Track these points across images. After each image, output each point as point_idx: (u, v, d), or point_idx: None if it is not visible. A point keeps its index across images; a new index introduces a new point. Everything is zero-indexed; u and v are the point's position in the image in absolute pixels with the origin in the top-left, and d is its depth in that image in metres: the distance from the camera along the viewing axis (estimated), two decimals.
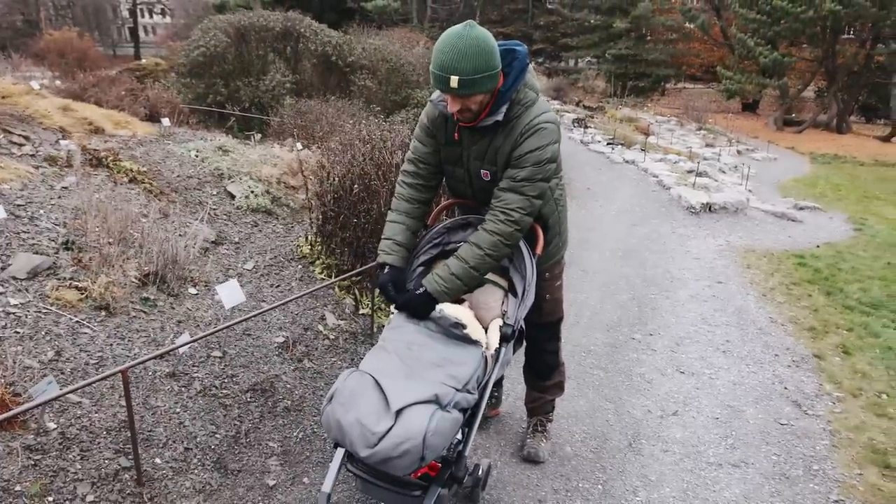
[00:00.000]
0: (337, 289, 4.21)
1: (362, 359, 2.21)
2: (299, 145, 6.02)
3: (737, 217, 8.43)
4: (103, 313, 3.06)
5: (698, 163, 11.94)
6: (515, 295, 2.39)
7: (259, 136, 6.06)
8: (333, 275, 4.25)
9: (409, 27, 22.97)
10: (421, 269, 2.50)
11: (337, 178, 4.13)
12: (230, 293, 3.10)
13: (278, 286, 4.02)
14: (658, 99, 28.55)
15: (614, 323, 4.52)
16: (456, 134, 2.29)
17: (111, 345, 2.90)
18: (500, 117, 2.14)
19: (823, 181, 13.57)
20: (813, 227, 8.22)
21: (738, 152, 17.15)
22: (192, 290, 3.59)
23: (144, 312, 3.22)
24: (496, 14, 32.24)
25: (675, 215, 8.55)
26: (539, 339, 2.72)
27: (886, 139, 20.89)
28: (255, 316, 2.87)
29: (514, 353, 2.50)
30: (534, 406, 2.97)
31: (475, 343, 2.18)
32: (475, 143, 2.28)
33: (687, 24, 27.75)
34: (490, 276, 2.49)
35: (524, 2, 30.78)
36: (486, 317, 2.31)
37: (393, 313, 2.38)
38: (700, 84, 32.76)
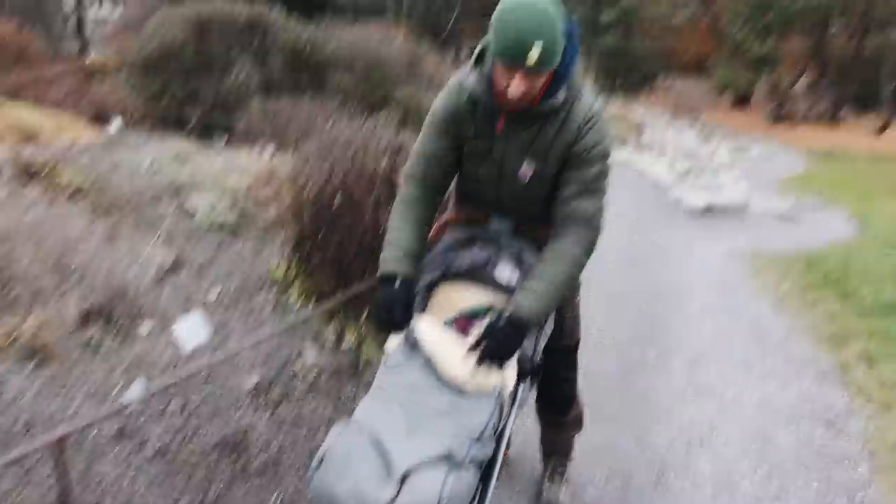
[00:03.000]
0: (317, 318, 3.83)
1: (349, 401, 1.91)
2: (270, 150, 5.62)
3: (739, 218, 8.64)
4: (34, 361, 2.69)
5: (696, 161, 11.83)
6: None
7: (224, 140, 5.66)
8: (313, 301, 3.87)
9: (385, 21, 22.65)
10: (420, 296, 2.18)
11: (315, 189, 3.75)
12: (191, 331, 2.73)
13: (249, 317, 3.63)
14: (649, 94, 28.74)
15: (625, 342, 4.39)
16: (499, 124, 2.00)
17: (44, 401, 2.53)
18: (558, 102, 1.90)
19: (821, 177, 13.79)
20: (816, 226, 8.35)
21: (735, 148, 17.18)
22: (146, 328, 3.19)
23: (87, 358, 2.84)
24: (478, 4, 32.06)
25: (677, 218, 8.56)
26: (557, 366, 2.46)
27: (880, 132, 21.13)
28: (222, 361, 2.49)
29: (530, 388, 2.25)
30: (550, 446, 2.75)
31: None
32: (517, 135, 2.00)
33: (676, 17, 27.98)
34: (502, 299, 2.19)
35: None
36: None
37: (391, 349, 2.03)
38: (691, 78, 33.12)
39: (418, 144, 2.16)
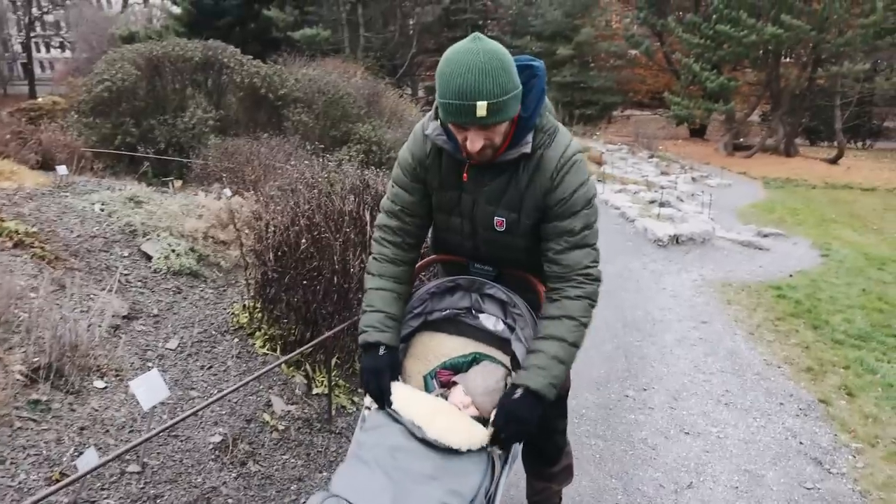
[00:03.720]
0: (284, 365, 3.70)
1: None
2: (228, 191, 5.51)
3: (705, 248, 8.77)
4: None
5: (660, 193, 12.09)
6: None
7: (179, 182, 5.52)
8: (279, 348, 3.75)
9: (343, 57, 22.81)
10: (399, 345, 2.10)
11: (279, 231, 3.67)
12: (149, 388, 2.56)
13: (211, 368, 3.48)
14: (606, 127, 29.47)
15: (603, 378, 4.38)
16: (465, 175, 1.93)
17: None
18: (527, 149, 1.82)
19: (780, 206, 14.28)
20: (780, 255, 8.56)
21: (693, 179, 17.69)
22: (99, 384, 3.01)
23: (34, 420, 2.64)
24: (433, 43, 32.63)
25: (644, 249, 8.68)
26: (548, 416, 2.36)
27: (833, 161, 22.02)
28: (184, 418, 2.35)
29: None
30: (538, 500, 2.63)
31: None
32: (486, 185, 1.92)
33: (631, 50, 28.87)
34: (487, 349, 2.14)
35: (462, 29, 31.28)
36: (487, 405, 1.91)
37: (368, 409, 1.95)
38: (647, 111, 34.10)
39: (388, 200, 2.09)
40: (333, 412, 3.44)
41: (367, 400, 1.97)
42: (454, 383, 2.02)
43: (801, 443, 3.62)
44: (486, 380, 1.99)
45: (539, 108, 1.83)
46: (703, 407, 4.03)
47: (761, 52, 21.78)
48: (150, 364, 3.29)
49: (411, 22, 31.98)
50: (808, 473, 3.33)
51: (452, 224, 2.07)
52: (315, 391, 3.58)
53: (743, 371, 4.58)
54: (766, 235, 9.83)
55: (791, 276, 7.44)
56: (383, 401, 1.90)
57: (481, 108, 1.63)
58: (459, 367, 2.10)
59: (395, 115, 12.39)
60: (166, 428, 2.38)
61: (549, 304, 1.93)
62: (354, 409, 3.57)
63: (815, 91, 23.38)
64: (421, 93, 32.19)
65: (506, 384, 2.02)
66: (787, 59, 23.61)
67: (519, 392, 1.83)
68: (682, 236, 8.91)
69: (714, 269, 7.58)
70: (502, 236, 1.98)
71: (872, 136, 29.06)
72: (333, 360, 3.58)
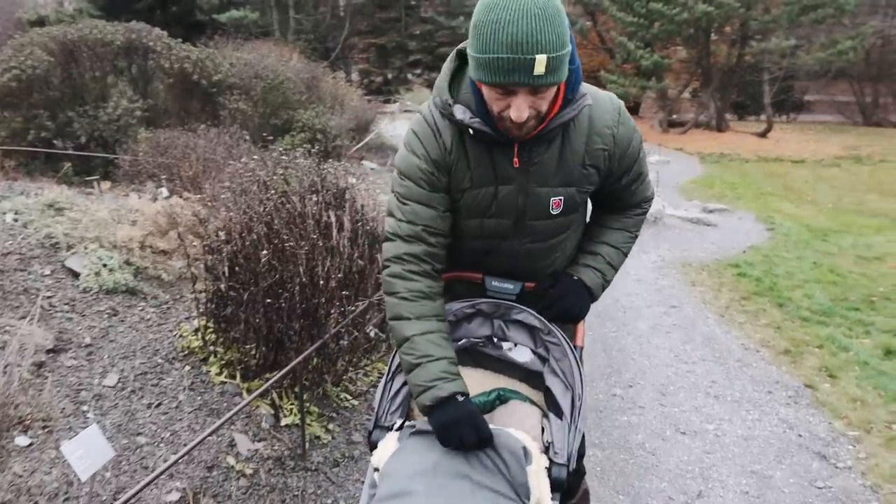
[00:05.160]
0: (245, 393, 3.21)
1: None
2: (165, 191, 4.88)
3: (658, 227, 8.86)
4: None
5: None
6: (559, 414, 1.65)
7: (107, 183, 4.83)
8: (238, 374, 3.24)
9: (273, 41, 21.76)
10: (404, 387, 1.70)
11: (233, 239, 3.14)
12: (88, 451, 2.04)
13: (160, 405, 2.95)
14: None
15: (587, 376, 4.20)
16: (516, 159, 1.58)
17: None
18: (580, 106, 1.52)
19: (718, 181, 14.53)
20: (729, 231, 8.76)
21: None
22: (23, 441, 2.46)
23: None
24: (366, 24, 31.75)
25: None
26: None
27: (763, 135, 22.62)
28: (137, 493, 1.86)
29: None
30: None
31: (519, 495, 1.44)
32: (533, 164, 1.59)
33: None
34: (512, 383, 1.78)
35: (396, 10, 30.48)
36: None
37: (377, 470, 1.52)
38: None
39: (402, 222, 1.65)
40: (307, 445, 3.00)
41: (375, 458, 1.55)
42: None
43: (799, 435, 3.52)
44: (521, 422, 1.64)
45: (577, 58, 1.51)
46: (694, 401, 3.89)
47: (692, 29, 22.03)
48: (84, 408, 2.74)
49: (342, 3, 30.92)
50: (815, 470, 3.21)
51: (486, 229, 1.69)
52: (284, 422, 3.11)
53: (724, 358, 4.50)
54: (711, 211, 9.98)
55: (744, 252, 7.56)
56: (487, 443, 1.54)
57: (540, 63, 1.31)
58: (481, 407, 1.73)
59: (337, 100, 11.77)
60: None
61: (607, 214, 1.88)
62: (330, 439, 3.13)
63: (743, 67, 23.90)
64: (355, 76, 31.28)
65: (542, 430, 1.64)
66: (716, 37, 24.03)
67: (575, 277, 1.78)
68: None
69: (671, 249, 7.68)
70: (555, 222, 1.70)
71: (796, 110, 30.14)
72: (303, 382, 3.11)
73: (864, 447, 3.40)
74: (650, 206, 1.92)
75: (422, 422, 1.48)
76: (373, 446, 1.54)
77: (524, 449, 1.40)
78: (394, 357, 1.69)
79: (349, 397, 3.47)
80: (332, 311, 3.07)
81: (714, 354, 4.55)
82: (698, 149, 20.52)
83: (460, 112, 1.51)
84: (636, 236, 1.91)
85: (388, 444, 1.48)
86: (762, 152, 19.76)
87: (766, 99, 22.81)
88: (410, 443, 1.43)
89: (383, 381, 1.68)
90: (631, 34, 23.20)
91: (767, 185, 14.31)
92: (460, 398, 1.56)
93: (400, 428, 1.50)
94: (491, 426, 1.52)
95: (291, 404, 3.21)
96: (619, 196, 1.82)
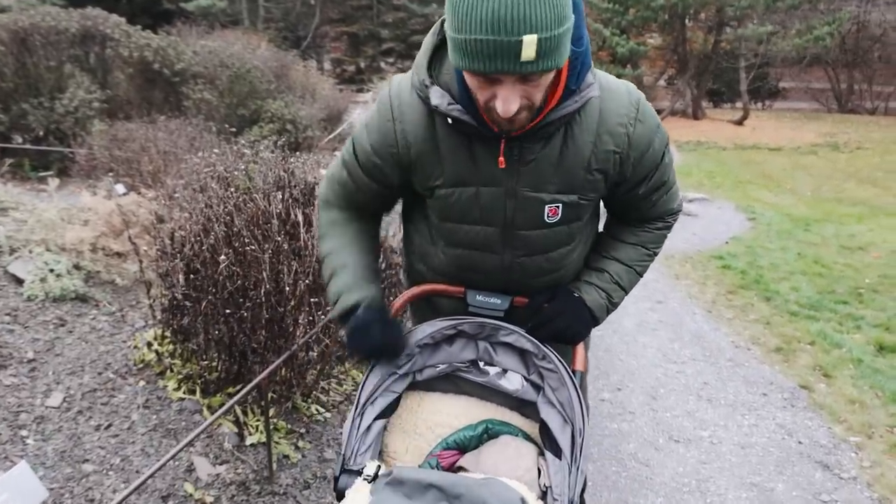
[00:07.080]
0: (206, 410, 2.97)
1: None
2: (121, 187, 4.58)
3: None
4: None
5: None
6: (558, 454, 1.41)
7: (56, 180, 4.50)
8: (199, 389, 2.99)
9: (242, 29, 21.26)
10: (376, 422, 1.46)
11: (189, 242, 2.89)
12: (17, 492, 1.80)
13: (110, 427, 2.70)
14: None
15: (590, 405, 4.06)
16: (501, 158, 1.32)
17: None
18: (583, 98, 1.27)
19: (696, 169, 14.49)
20: (710, 221, 8.66)
21: None
22: None
23: None
24: (337, 12, 31.28)
25: None
26: None
27: (739, 122, 22.72)
28: None
29: None
30: None
31: None
32: (525, 164, 1.34)
33: None
34: (501, 412, 1.57)
35: None
36: None
37: (368, 479, 1.29)
38: None
39: (339, 171, 1.56)
40: (275, 466, 2.77)
41: (370, 467, 1.31)
42: (461, 469, 1.44)
43: (799, 442, 3.38)
44: (514, 462, 1.42)
45: (585, 41, 1.25)
46: (686, 405, 3.75)
47: (668, 16, 22.00)
48: (24, 433, 2.48)
49: None
50: (819, 482, 3.06)
51: (469, 238, 1.48)
52: (249, 441, 2.88)
53: (715, 358, 4.36)
54: (691, 200, 9.89)
55: (727, 242, 7.46)
56: (383, 355, 1.47)
57: (529, 45, 1.06)
58: (466, 444, 1.51)
59: (307, 89, 11.44)
60: None
61: (623, 227, 1.64)
62: (300, 458, 2.90)
63: (719, 54, 23.95)
64: (327, 65, 30.78)
65: (538, 471, 1.44)
66: (692, 24, 24.05)
67: (576, 294, 1.56)
68: None
69: None
70: (552, 231, 1.45)
71: (771, 97, 30.38)
72: (269, 396, 2.88)
73: (868, 454, 3.27)
74: (676, 219, 1.65)
75: (398, 468, 1.26)
76: (340, 495, 1.31)
77: (522, 501, 1.19)
78: (363, 386, 1.46)
79: (321, 409, 3.24)
80: (301, 319, 2.84)
81: (704, 353, 4.42)
82: (675, 137, 20.53)
83: (437, 97, 1.27)
84: (655, 254, 1.65)
85: (359, 496, 1.25)
86: (739, 140, 19.81)
87: (743, 86, 22.92)
88: (385, 496, 1.20)
89: (351, 414, 1.44)
90: (606, 21, 23.08)
91: (745, 174, 14.32)
92: (361, 309, 1.46)
93: (373, 479, 1.26)
94: (482, 476, 1.30)
95: (257, 421, 2.97)
96: (636, 206, 1.56)
